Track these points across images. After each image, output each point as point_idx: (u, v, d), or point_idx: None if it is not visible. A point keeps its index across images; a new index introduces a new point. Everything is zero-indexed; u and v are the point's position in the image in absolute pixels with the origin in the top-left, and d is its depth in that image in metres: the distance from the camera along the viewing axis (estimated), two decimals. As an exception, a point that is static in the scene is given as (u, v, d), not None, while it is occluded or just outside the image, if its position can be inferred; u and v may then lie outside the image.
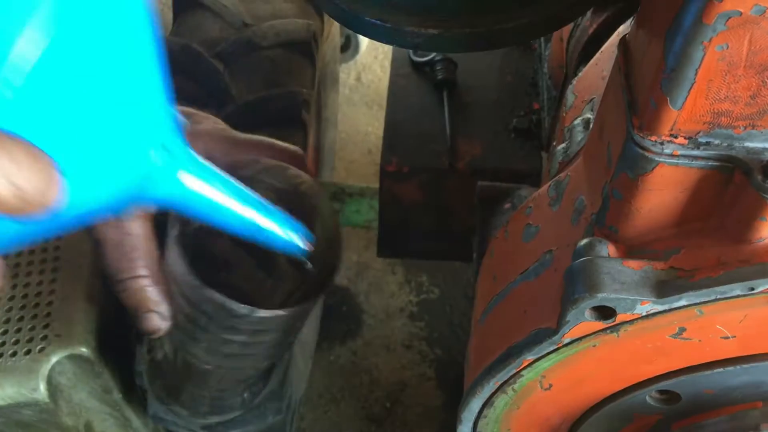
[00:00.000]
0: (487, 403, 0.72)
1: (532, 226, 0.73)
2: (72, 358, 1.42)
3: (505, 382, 0.68)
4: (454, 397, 2.04)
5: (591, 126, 0.85)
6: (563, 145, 0.91)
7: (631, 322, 0.58)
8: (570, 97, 0.95)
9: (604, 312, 0.57)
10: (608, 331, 0.60)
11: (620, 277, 0.56)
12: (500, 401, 0.72)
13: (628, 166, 0.56)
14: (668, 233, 0.59)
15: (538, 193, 0.75)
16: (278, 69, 1.28)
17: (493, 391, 0.70)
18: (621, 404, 0.69)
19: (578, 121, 0.89)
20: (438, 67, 1.40)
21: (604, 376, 0.66)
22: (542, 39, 1.45)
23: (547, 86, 1.38)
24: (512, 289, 0.71)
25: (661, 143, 0.53)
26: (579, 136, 0.87)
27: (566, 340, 0.61)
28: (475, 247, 1.22)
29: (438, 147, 1.34)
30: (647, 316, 0.57)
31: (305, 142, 1.32)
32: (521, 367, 0.66)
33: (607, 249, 0.59)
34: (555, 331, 0.61)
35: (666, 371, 0.63)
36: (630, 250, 0.60)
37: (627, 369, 0.64)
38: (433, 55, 1.44)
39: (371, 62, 2.76)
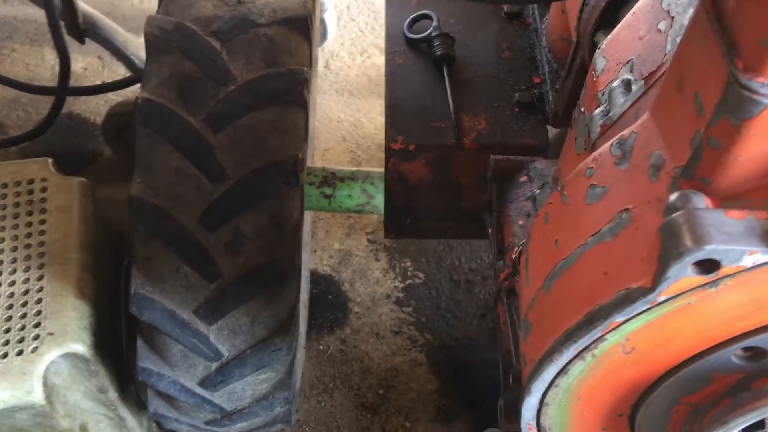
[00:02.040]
0: (562, 371, 0.70)
1: (597, 187, 0.71)
2: (67, 357, 1.35)
3: (586, 347, 0.66)
4: (447, 381, 2.03)
5: (633, 86, 0.84)
6: (601, 109, 0.89)
7: (732, 275, 0.57)
8: (600, 62, 0.93)
9: (708, 266, 0.56)
10: (707, 287, 0.58)
11: (725, 228, 0.54)
12: (576, 368, 0.69)
13: (730, 112, 0.54)
14: (765, 182, 0.57)
15: (598, 153, 0.73)
16: (277, 47, 1.24)
17: (571, 357, 0.68)
18: (702, 365, 0.67)
19: (617, 83, 0.87)
20: (436, 43, 1.38)
21: (691, 335, 0.64)
22: (537, 13, 1.44)
23: (547, 59, 1.37)
24: (584, 252, 0.69)
25: (770, 85, 0.51)
26: (620, 97, 0.85)
27: (661, 298, 0.59)
28: (492, 223, 1.20)
29: (442, 123, 1.32)
30: (751, 268, 0.56)
31: (307, 121, 1.28)
32: (607, 330, 0.64)
33: (704, 201, 0.57)
34: (650, 290, 0.59)
35: (758, 326, 0.62)
36: (724, 201, 0.59)
37: (717, 326, 0.63)
38: (429, 30, 1.41)
39: (339, 49, 2.72)
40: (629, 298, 0.61)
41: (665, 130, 0.64)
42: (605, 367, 0.69)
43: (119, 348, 1.52)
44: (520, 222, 1.12)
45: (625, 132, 0.70)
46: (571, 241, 0.71)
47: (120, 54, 1.99)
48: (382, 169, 1.72)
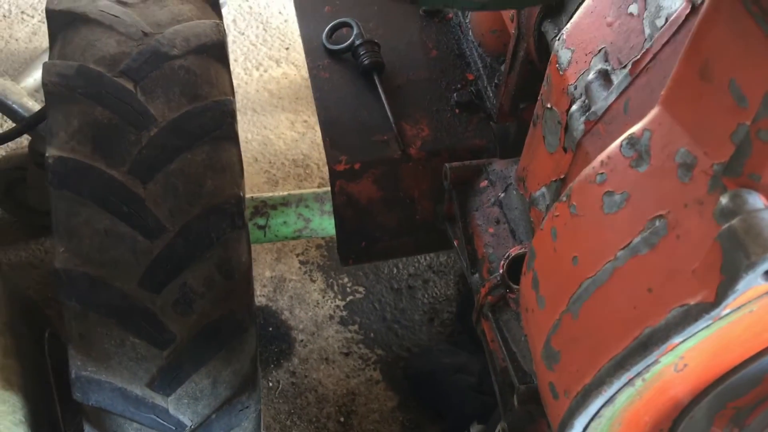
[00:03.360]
0: (608, 401, 0.64)
1: (615, 194, 0.65)
2: (8, 461, 1.19)
3: (638, 373, 0.60)
4: (407, 394, 1.95)
5: (612, 77, 0.79)
6: (579, 104, 0.83)
7: (801, 276, 0.52)
8: (564, 54, 0.87)
9: (778, 271, 0.50)
10: (773, 292, 0.53)
11: (795, 228, 0.49)
12: (623, 396, 0.63)
13: (788, 101, 0.48)
14: (819, 170, 0.53)
15: (606, 156, 0.67)
16: (196, 78, 1.12)
17: (621, 386, 0.61)
18: (754, 367, 0.62)
19: (592, 75, 0.82)
20: (362, 52, 1.29)
21: (746, 340, 0.59)
22: (459, 7, 1.38)
23: (478, 54, 1.32)
24: (616, 268, 0.62)
25: (833, 67, 0.46)
26: (600, 90, 0.80)
27: (726, 311, 0.54)
28: (458, 234, 1.13)
29: (384, 136, 1.24)
30: (822, 266, 0.51)
31: (240, 156, 1.17)
32: (663, 353, 0.58)
33: (760, 200, 0.52)
34: (713, 305, 0.53)
35: (816, 321, 0.58)
36: (777, 196, 0.53)
37: (774, 328, 0.58)
38: (351, 39, 1.33)
39: (233, 66, 2.58)
40: (689, 315, 0.55)
41: (690, 125, 0.59)
42: (654, 388, 0.63)
43: (57, 429, 1.36)
44: (491, 230, 1.06)
45: (635, 130, 0.64)
46: (596, 257, 0.65)
47: (0, 104, 1.80)
48: (315, 189, 1.62)
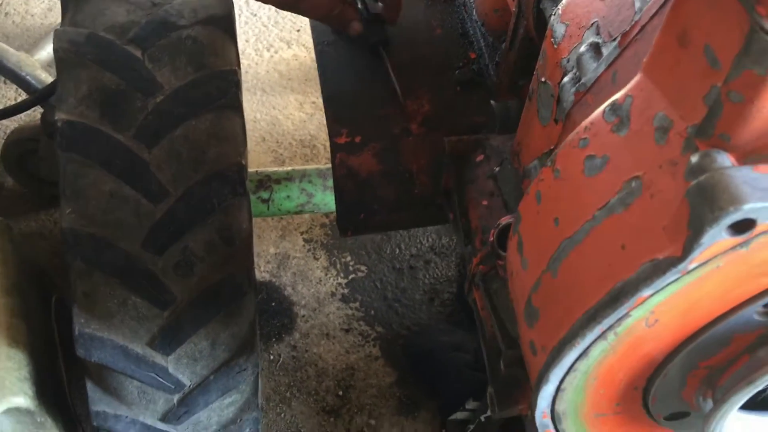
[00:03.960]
0: (583, 354, 0.66)
1: (596, 158, 0.67)
2: (9, 412, 1.23)
3: (610, 326, 0.63)
4: (405, 371, 1.99)
5: (603, 48, 0.81)
6: (570, 76, 0.86)
7: (765, 232, 0.54)
8: (559, 28, 0.90)
9: (743, 226, 0.53)
10: (739, 247, 0.55)
11: (759, 184, 0.52)
12: (597, 349, 0.66)
13: (755, 62, 0.51)
14: (785, 132, 0.55)
15: (590, 122, 0.69)
16: (202, 48, 1.15)
17: (593, 339, 0.64)
18: (723, 327, 0.65)
19: (584, 48, 0.84)
20: (369, 27, 1.32)
21: (715, 298, 0.62)
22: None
23: (481, 33, 1.34)
24: (593, 227, 0.65)
25: (796, 29, 0.49)
26: (591, 62, 0.82)
27: (692, 266, 0.56)
28: (453, 207, 1.16)
29: (385, 110, 1.26)
30: (785, 222, 0.53)
31: (244, 125, 1.20)
32: (633, 306, 0.60)
33: (728, 159, 0.54)
34: (680, 258, 0.56)
35: (783, 280, 0.60)
36: (745, 156, 0.56)
37: (742, 286, 0.61)
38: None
39: (244, 46, 2.61)
40: (658, 269, 0.58)
41: (668, 89, 0.61)
42: (626, 343, 0.66)
43: (63, 393, 1.40)
44: (485, 203, 1.09)
45: (618, 96, 0.67)
46: (575, 218, 0.67)
47: (14, 76, 1.84)
48: (319, 166, 1.65)
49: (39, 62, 1.99)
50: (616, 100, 0.67)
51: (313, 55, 2.74)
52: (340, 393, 1.93)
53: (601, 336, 0.64)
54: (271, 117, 2.44)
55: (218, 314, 1.15)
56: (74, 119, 1.08)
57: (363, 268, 2.15)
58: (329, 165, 1.90)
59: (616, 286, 0.61)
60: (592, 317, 0.62)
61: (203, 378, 1.19)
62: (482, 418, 1.64)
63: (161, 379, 1.16)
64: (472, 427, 1.67)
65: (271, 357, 1.98)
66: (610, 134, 0.67)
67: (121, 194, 1.07)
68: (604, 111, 0.68)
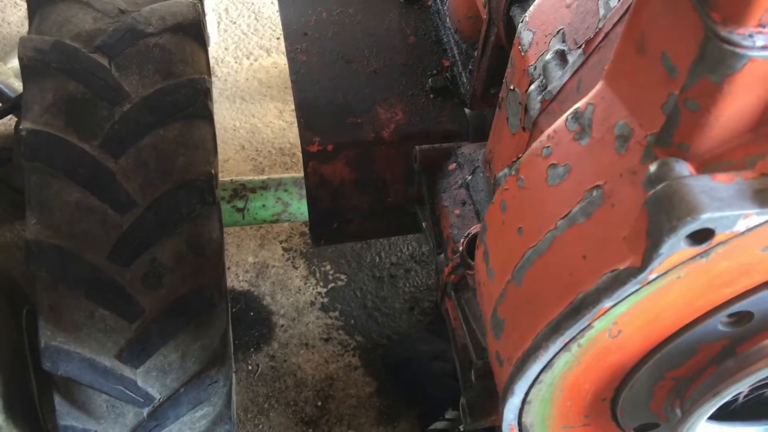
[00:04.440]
0: (547, 366, 0.65)
1: (558, 167, 0.66)
2: (-22, 428, 1.21)
3: (573, 338, 0.62)
4: (385, 381, 1.97)
5: (568, 56, 0.80)
6: (536, 84, 0.85)
7: (724, 242, 0.53)
8: (526, 36, 0.89)
9: (701, 236, 0.52)
10: (698, 257, 0.55)
11: (716, 194, 0.51)
12: (561, 361, 0.65)
13: (710, 69, 0.50)
14: (744, 140, 0.54)
15: (552, 131, 0.69)
16: (171, 56, 1.14)
17: (557, 351, 0.63)
18: (688, 337, 0.64)
19: (549, 55, 0.83)
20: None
21: (678, 308, 0.61)
22: (437, -6, 1.40)
23: (455, 41, 1.33)
24: (555, 237, 0.64)
25: (751, 35, 0.48)
26: (556, 70, 0.81)
27: (652, 276, 0.55)
28: (426, 216, 1.15)
29: (358, 119, 1.25)
30: (744, 233, 0.52)
31: (214, 134, 1.19)
32: (595, 317, 0.59)
33: (687, 168, 0.53)
34: (640, 269, 0.55)
35: (744, 290, 0.59)
36: (704, 165, 0.55)
37: (704, 296, 0.60)
38: (329, 23, 1.34)
39: (223, 54, 2.60)
40: (618, 280, 0.57)
41: (628, 98, 0.61)
42: (591, 354, 0.65)
43: (33, 407, 1.38)
44: (457, 212, 1.08)
45: (580, 104, 0.66)
46: (538, 227, 0.66)
47: (-14, 84, 1.81)
48: (294, 174, 1.64)
49: (12, 70, 1.96)
50: (578, 108, 0.66)
51: (293, 62, 2.74)
52: (319, 403, 1.92)
53: (565, 347, 0.63)
54: (251, 125, 2.42)
55: (188, 326, 1.14)
56: (39, 128, 1.06)
57: (343, 276, 2.14)
58: (306, 173, 1.88)
59: (577, 297, 0.60)
60: (555, 329, 0.61)
61: (173, 391, 1.17)
62: (461, 428, 1.63)
63: (130, 393, 1.14)
64: (451, 437, 1.65)
65: (249, 367, 1.96)
66: (572, 143, 0.66)
67: (86, 205, 1.06)
68: (566, 119, 0.67)
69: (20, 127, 1.06)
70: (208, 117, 1.14)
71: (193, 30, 1.17)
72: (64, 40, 1.10)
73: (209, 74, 1.20)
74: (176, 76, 1.12)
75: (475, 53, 1.26)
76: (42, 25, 1.14)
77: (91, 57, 1.10)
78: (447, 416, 1.76)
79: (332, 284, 2.12)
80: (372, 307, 2.09)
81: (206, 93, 1.14)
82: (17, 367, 1.36)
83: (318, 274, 2.13)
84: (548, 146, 0.68)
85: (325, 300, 2.09)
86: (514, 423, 0.74)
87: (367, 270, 2.15)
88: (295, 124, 2.48)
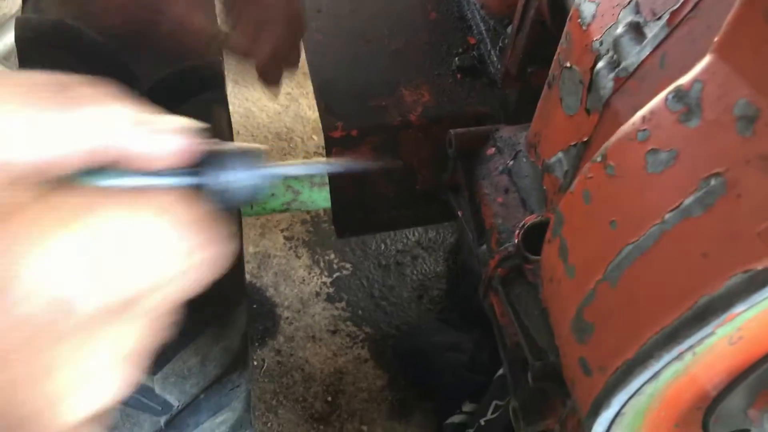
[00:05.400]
0: (653, 377, 0.58)
1: (660, 152, 0.59)
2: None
3: (690, 346, 0.55)
4: (396, 373, 1.90)
5: (645, 29, 0.73)
6: (605, 61, 0.78)
7: None
8: (587, 8, 0.81)
9: None
10: None
11: None
12: (669, 371, 0.58)
13: None
14: None
15: (648, 112, 0.61)
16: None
17: (670, 360, 0.56)
18: (809, 340, 0.57)
19: (621, 29, 0.76)
20: (359, 11, 1.22)
21: (809, 310, 0.54)
22: (458, -32, 1.32)
23: (480, 17, 1.25)
24: (664, 232, 0.57)
25: None
26: (632, 44, 0.74)
27: (798, 276, 0.48)
28: (463, 205, 1.07)
29: (382, 101, 1.17)
30: None
31: (230, 121, 1.10)
32: (721, 324, 0.52)
33: (842, 152, 0.46)
34: (784, 269, 0.48)
35: None
36: None
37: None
38: None
39: (212, 34, 2.49)
40: (754, 282, 0.50)
41: (752, 73, 0.53)
42: (703, 363, 0.58)
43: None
44: (500, 200, 1.00)
45: (684, 81, 0.58)
46: (638, 221, 0.59)
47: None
48: (306, 161, 1.55)
49: (-4, 54, 1.85)
50: (682, 85, 0.59)
51: (285, 43, 2.63)
52: (329, 399, 1.84)
53: (678, 357, 0.56)
54: (245, 109, 2.32)
55: (208, 328, 1.05)
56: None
57: (348, 265, 2.06)
58: (316, 159, 1.79)
59: (700, 301, 0.53)
60: (671, 336, 0.54)
61: (193, 397, 1.09)
62: (482, 422, 1.57)
63: (146, 401, 1.06)
64: (471, 431, 1.59)
65: (255, 363, 1.88)
66: (676, 125, 0.58)
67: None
68: (666, 98, 0.60)
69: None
70: (223, 100, 1.06)
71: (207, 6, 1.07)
72: (66, 19, 1.00)
73: (222, 55, 1.11)
74: (189, 58, 1.03)
75: (506, 30, 1.18)
76: (40, 3, 1.03)
77: (95, 38, 1.00)
78: (464, 409, 1.70)
79: (337, 273, 2.04)
80: (379, 297, 2.01)
81: (223, 77, 1.05)
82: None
83: (322, 264, 2.05)
84: (644, 129, 0.61)
85: (331, 290, 2.01)
86: (601, 436, 0.67)
87: (373, 258, 2.07)
88: (291, 108, 2.39)
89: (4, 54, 1.99)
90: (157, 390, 1.06)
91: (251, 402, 1.24)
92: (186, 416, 1.10)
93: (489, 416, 1.57)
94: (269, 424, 1.80)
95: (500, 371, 1.64)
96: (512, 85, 1.14)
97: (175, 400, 1.08)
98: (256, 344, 1.91)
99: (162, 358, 1.03)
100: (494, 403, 1.57)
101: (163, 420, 1.10)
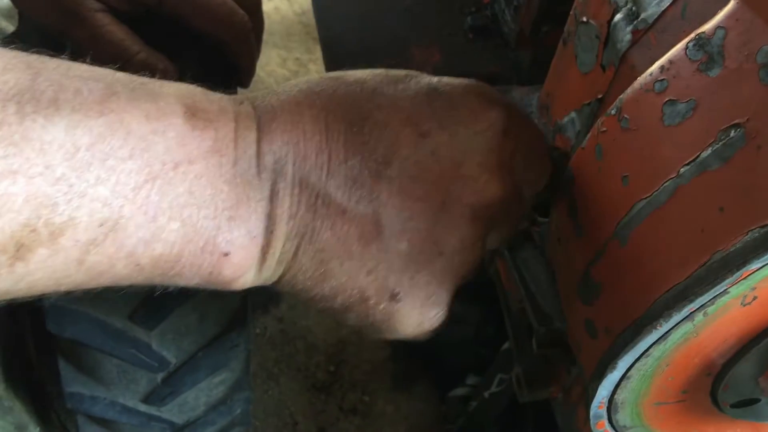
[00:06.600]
0: (662, 338, 0.56)
1: (678, 103, 0.56)
2: (-25, 397, 1.11)
3: (702, 305, 0.52)
4: (400, 345, 1.88)
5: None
6: (623, 13, 0.74)
7: None
8: (607, -42, 0.78)
9: None
10: None
11: None
12: (679, 332, 0.55)
13: None
14: None
15: (667, 61, 0.58)
16: None
17: (680, 320, 0.53)
18: (828, 304, 0.55)
19: (642, -21, 0.72)
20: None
21: (829, 271, 0.51)
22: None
23: (495, -25, 1.21)
24: (679, 186, 0.54)
25: None
26: (651, -5, 0.70)
27: (820, 232, 0.46)
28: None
29: (390, 60, 1.14)
30: None
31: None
32: (735, 282, 0.50)
33: None
34: (804, 224, 0.45)
35: None
36: None
37: None
38: (357, -47, 1.22)
39: None
40: (772, 237, 0.47)
41: (780, 17, 0.50)
42: (714, 324, 0.55)
43: (32, 373, 1.28)
44: (509, 162, 0.97)
45: (705, 29, 0.55)
46: (653, 175, 0.56)
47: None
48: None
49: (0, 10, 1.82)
50: (703, 33, 0.56)
51: (296, 8, 2.58)
52: (332, 369, 1.83)
53: (688, 317, 0.53)
54: (254, 74, 2.29)
55: (207, 285, 1.03)
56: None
57: (353, 235, 2.03)
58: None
59: (713, 256, 0.50)
60: (682, 295, 0.52)
61: (191, 355, 1.08)
62: (486, 395, 1.55)
63: (143, 357, 1.05)
64: (475, 404, 1.57)
65: (258, 331, 1.87)
66: (696, 74, 0.55)
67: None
68: (686, 47, 0.57)
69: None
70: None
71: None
72: None
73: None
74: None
75: (522, -11, 1.14)
76: None
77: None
78: (468, 382, 1.69)
79: (343, 243, 2.02)
80: (384, 267, 1.99)
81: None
82: (14, 330, 1.26)
83: (328, 232, 2.03)
84: (662, 79, 0.58)
85: (336, 259, 1.99)
86: (605, 400, 0.65)
87: (379, 228, 2.05)
88: (300, 73, 2.35)
89: (9, 10, 1.96)
90: (154, 346, 1.04)
91: (250, 365, 1.22)
92: (183, 374, 1.09)
93: (493, 389, 1.55)
94: (270, 392, 1.78)
95: (506, 345, 1.62)
96: (526, 45, 1.11)
97: (172, 357, 1.07)
98: (259, 311, 1.89)
99: (159, 314, 1.02)
100: (499, 376, 1.54)
101: (159, 377, 1.08)
